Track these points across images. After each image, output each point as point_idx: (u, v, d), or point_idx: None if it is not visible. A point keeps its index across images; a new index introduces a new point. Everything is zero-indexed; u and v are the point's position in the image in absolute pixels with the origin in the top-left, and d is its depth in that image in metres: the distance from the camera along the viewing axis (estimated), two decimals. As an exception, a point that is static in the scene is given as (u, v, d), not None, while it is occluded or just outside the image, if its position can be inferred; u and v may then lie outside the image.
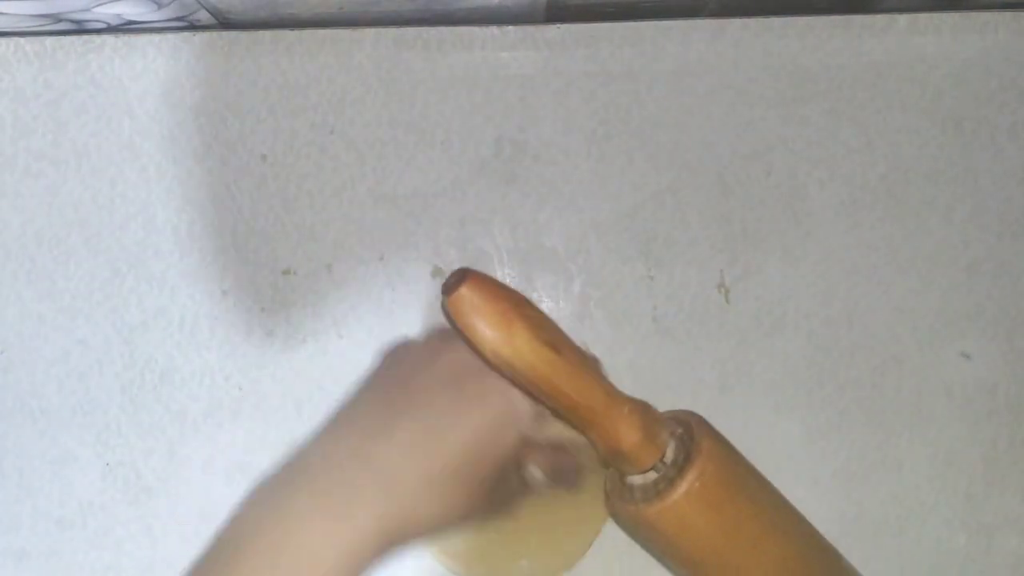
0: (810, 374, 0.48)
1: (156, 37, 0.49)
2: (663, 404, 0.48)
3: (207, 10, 0.48)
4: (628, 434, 0.37)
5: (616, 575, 0.47)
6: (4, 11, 0.46)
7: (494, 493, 0.36)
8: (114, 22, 0.49)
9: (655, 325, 0.48)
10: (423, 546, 0.38)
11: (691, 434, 0.39)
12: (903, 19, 0.50)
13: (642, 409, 0.38)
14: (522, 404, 0.36)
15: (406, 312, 0.48)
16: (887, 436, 0.48)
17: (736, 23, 0.50)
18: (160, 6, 0.47)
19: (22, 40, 0.49)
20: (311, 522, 0.33)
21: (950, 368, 0.48)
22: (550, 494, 0.41)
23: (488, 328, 0.35)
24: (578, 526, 0.47)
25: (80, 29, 0.50)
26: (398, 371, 0.38)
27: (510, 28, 0.50)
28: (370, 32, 0.49)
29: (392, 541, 0.34)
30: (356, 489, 0.33)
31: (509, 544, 0.46)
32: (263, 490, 0.35)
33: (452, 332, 0.37)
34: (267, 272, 0.48)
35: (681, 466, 0.37)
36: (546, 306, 0.49)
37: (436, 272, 0.49)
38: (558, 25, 0.50)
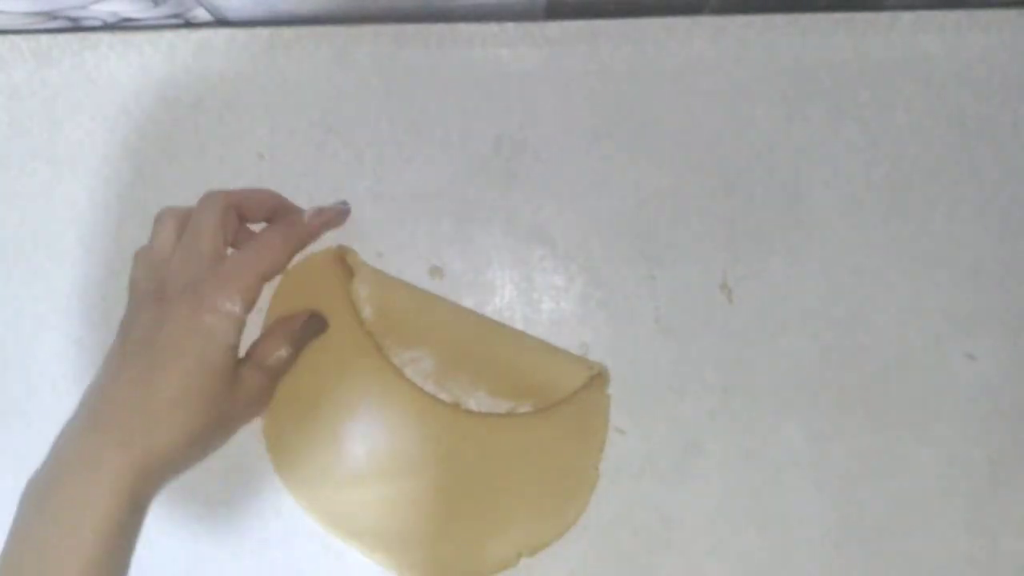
0: (814, 375, 0.48)
1: (152, 34, 0.49)
2: (666, 405, 0.47)
3: (204, 7, 0.48)
4: None
5: (601, 555, 0.47)
6: (0, 9, 0.46)
7: (231, 399, 0.41)
8: (110, 19, 0.49)
9: (657, 326, 0.48)
10: (191, 464, 0.41)
11: None
12: (907, 17, 0.50)
13: None
14: (219, 325, 0.40)
15: (405, 312, 0.48)
16: (891, 437, 0.48)
17: (738, 20, 0.50)
18: (156, 3, 0.47)
19: (18, 38, 0.49)
20: (65, 486, 0.37)
21: (955, 369, 0.48)
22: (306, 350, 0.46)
23: None
24: (567, 493, 0.47)
25: (76, 27, 0.50)
26: (118, 344, 0.42)
27: (510, 25, 0.49)
28: (369, 29, 0.49)
29: (145, 475, 0.38)
30: (94, 448, 0.38)
31: (489, 523, 0.46)
32: (32, 479, 0.39)
33: (144, 294, 0.42)
34: (264, 272, 0.48)
35: None
36: (546, 306, 0.48)
37: (434, 271, 0.48)
38: (558, 22, 0.49)
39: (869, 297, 0.48)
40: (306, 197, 0.48)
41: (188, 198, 0.48)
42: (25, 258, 0.48)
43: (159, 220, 0.44)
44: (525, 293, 0.48)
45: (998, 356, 0.48)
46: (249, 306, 0.41)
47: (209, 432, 0.41)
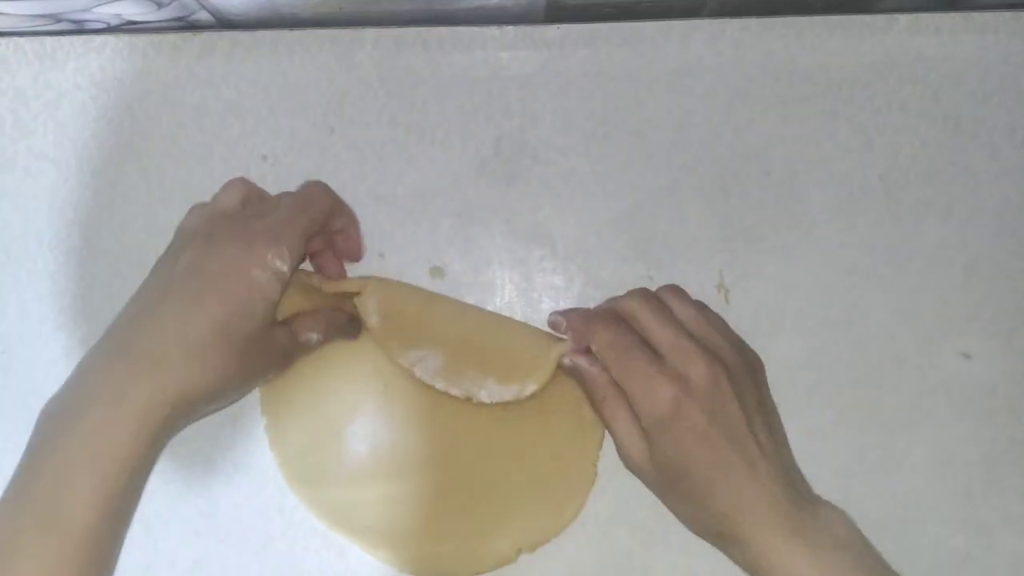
0: (809, 374, 0.48)
1: (156, 37, 0.49)
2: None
3: (207, 10, 0.48)
4: None
5: (598, 548, 0.47)
6: (4, 11, 0.46)
7: (261, 354, 0.42)
8: (114, 22, 0.49)
9: (655, 325, 0.48)
10: (207, 412, 0.42)
11: None
12: (903, 19, 0.50)
13: None
14: (266, 280, 0.41)
15: (406, 312, 0.48)
16: (887, 436, 0.48)
17: (735, 23, 0.50)
18: (160, 6, 0.47)
19: (22, 40, 0.49)
20: (90, 412, 0.37)
21: (949, 368, 0.48)
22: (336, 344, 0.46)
23: None
24: (566, 490, 0.47)
25: (80, 29, 0.50)
26: (155, 278, 0.43)
27: (510, 28, 0.50)
28: (370, 32, 0.49)
29: (172, 411, 0.38)
30: (125, 376, 0.38)
31: (489, 521, 0.47)
32: (52, 399, 0.39)
33: (192, 235, 0.43)
34: (267, 272, 0.48)
35: None
36: (545, 306, 0.48)
37: (435, 272, 0.49)
38: (558, 25, 0.50)
39: (864, 297, 0.49)
40: (308, 198, 0.49)
41: (192, 199, 0.48)
42: (30, 259, 0.49)
43: (229, 184, 0.45)
44: (525, 293, 0.49)
45: (992, 355, 0.49)
46: (295, 264, 0.42)
47: (235, 380, 0.41)
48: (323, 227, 0.45)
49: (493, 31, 0.50)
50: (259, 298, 0.40)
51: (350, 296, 0.46)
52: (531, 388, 0.45)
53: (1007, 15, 0.50)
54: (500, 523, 0.46)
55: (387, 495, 0.46)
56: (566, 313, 0.47)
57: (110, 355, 0.39)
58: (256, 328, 0.40)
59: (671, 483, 0.43)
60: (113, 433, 0.37)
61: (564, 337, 0.46)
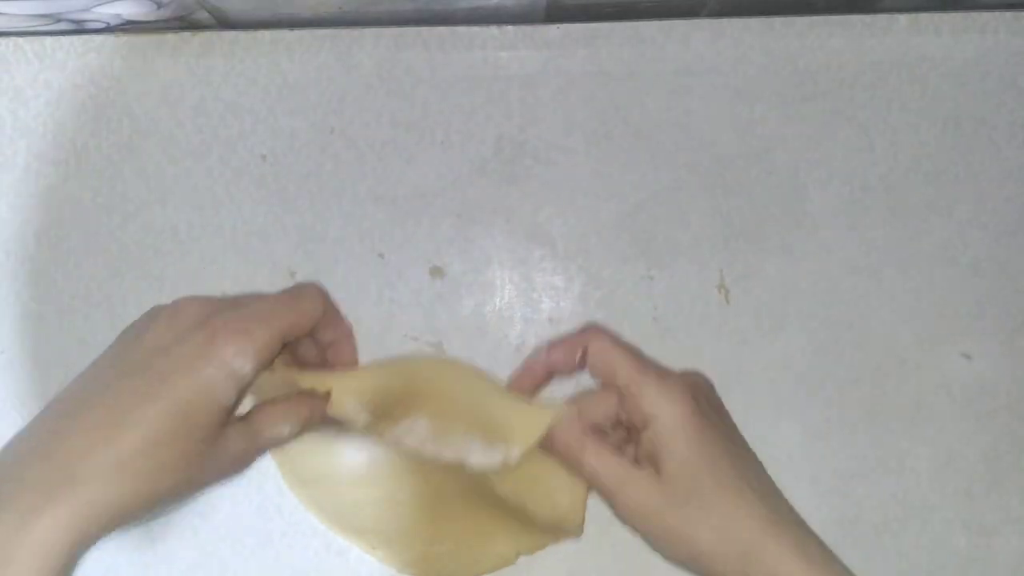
0: (810, 374, 0.48)
1: (156, 37, 0.49)
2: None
3: (207, 10, 0.48)
4: None
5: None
6: (3, 11, 0.46)
7: (205, 463, 0.36)
8: (113, 22, 0.49)
9: (655, 325, 0.48)
10: (137, 523, 0.38)
11: None
12: (904, 19, 0.50)
13: None
14: (220, 383, 0.35)
15: (405, 311, 0.48)
16: (887, 436, 0.48)
17: (736, 23, 0.50)
18: (160, 6, 0.47)
19: (21, 40, 0.49)
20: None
21: (951, 368, 0.48)
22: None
23: None
24: (565, 491, 0.46)
25: (80, 29, 0.50)
26: (115, 352, 0.38)
27: (510, 28, 0.50)
28: (370, 32, 0.49)
29: (86, 531, 0.34)
30: (40, 487, 0.33)
31: (488, 522, 0.46)
32: None
33: (158, 312, 0.38)
34: (267, 272, 0.48)
35: None
36: (546, 306, 0.49)
37: (435, 272, 0.49)
38: (558, 25, 0.50)
39: (865, 297, 0.49)
40: (308, 198, 0.49)
41: (191, 200, 0.48)
42: (29, 258, 0.49)
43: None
44: (525, 293, 0.49)
45: (993, 355, 0.49)
46: (261, 366, 0.37)
47: (170, 492, 0.36)
48: (309, 333, 0.40)
49: (493, 31, 0.50)
50: (206, 402, 0.35)
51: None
52: (516, 453, 0.43)
53: (1007, 15, 0.51)
54: (500, 524, 0.46)
55: (386, 495, 0.46)
56: (542, 349, 0.44)
57: (31, 452, 0.35)
58: (200, 437, 0.35)
59: (688, 499, 0.38)
60: (15, 553, 0.32)
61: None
